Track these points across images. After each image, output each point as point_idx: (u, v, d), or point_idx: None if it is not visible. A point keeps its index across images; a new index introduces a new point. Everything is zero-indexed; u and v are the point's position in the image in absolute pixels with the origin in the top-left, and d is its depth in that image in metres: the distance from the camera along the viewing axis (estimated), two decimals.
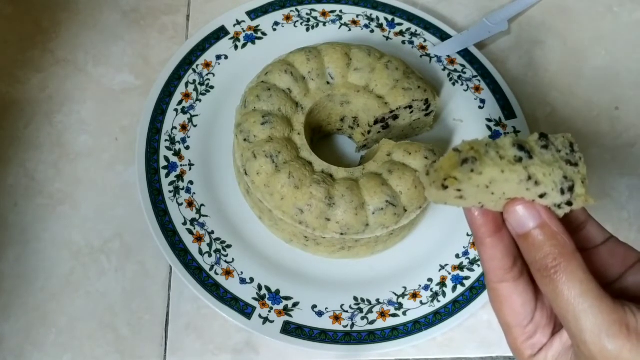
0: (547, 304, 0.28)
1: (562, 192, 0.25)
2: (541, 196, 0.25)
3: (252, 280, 0.44)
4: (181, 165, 0.47)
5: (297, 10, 0.54)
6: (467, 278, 0.45)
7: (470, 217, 0.27)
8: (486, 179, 0.24)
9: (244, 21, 0.53)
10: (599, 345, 0.23)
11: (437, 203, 0.26)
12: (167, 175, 0.46)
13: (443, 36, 0.55)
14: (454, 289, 0.45)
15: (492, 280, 0.27)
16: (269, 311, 0.43)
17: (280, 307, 0.43)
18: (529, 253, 0.25)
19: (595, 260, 0.26)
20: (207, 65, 0.51)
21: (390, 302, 0.44)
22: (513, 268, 0.27)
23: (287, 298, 0.44)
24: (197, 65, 0.51)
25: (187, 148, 0.48)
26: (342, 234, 0.42)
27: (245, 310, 0.43)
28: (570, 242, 0.25)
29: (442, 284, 0.45)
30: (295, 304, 0.43)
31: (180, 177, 0.47)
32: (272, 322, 0.42)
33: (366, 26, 0.55)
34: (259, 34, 0.53)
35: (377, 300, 0.44)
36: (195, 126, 0.49)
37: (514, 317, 0.27)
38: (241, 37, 0.53)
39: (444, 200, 0.25)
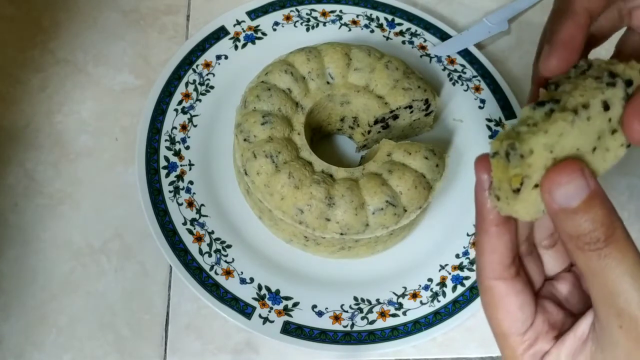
0: (549, 309, 0.26)
1: (606, 107, 0.23)
2: (605, 107, 0.23)
3: (252, 280, 0.44)
4: (181, 165, 0.47)
5: (297, 10, 0.54)
6: (467, 278, 0.45)
7: (480, 200, 0.25)
8: (542, 154, 0.22)
9: (244, 21, 0.53)
10: None
11: (533, 218, 0.24)
12: (167, 175, 0.46)
13: (443, 36, 0.55)
14: (454, 289, 0.45)
15: (487, 277, 0.25)
16: (269, 311, 0.43)
17: (280, 307, 0.43)
18: (576, 228, 0.22)
19: None
20: (207, 65, 0.51)
21: (390, 302, 0.44)
22: (511, 265, 0.25)
23: (287, 298, 0.44)
24: (197, 65, 0.51)
25: (187, 148, 0.48)
26: (342, 234, 0.42)
27: (245, 310, 0.43)
28: (615, 210, 0.23)
29: (442, 284, 0.45)
30: (295, 304, 0.43)
31: (180, 177, 0.47)
32: (272, 322, 0.42)
33: (366, 26, 0.55)
34: (259, 34, 0.53)
35: (377, 300, 0.44)
36: (195, 126, 0.49)
37: (510, 322, 0.25)
38: (241, 37, 0.53)
39: (537, 210, 0.23)
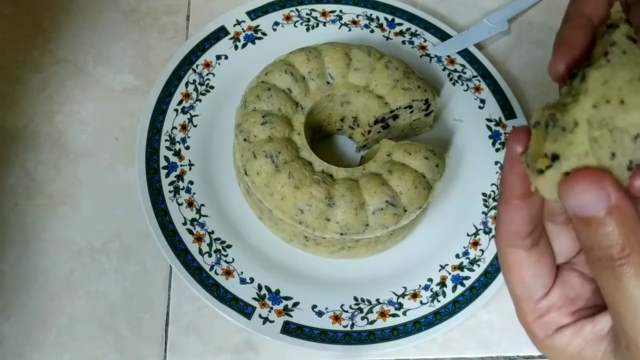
0: (572, 284, 0.25)
1: (631, 39, 0.21)
2: (632, 39, 0.21)
3: (252, 280, 0.44)
4: (181, 165, 0.47)
5: (297, 10, 0.54)
6: (467, 278, 0.45)
7: (507, 170, 0.23)
8: (584, 128, 0.20)
9: (244, 21, 0.53)
10: None
11: (553, 199, 0.22)
12: (167, 175, 0.46)
13: (443, 36, 0.55)
14: (454, 289, 0.45)
15: (503, 243, 0.25)
16: (269, 311, 0.43)
17: (280, 307, 0.43)
18: (589, 239, 0.21)
19: None
20: (207, 65, 0.51)
21: (390, 302, 0.44)
22: (528, 236, 0.24)
23: (287, 298, 0.44)
24: (197, 65, 0.51)
25: (187, 148, 0.48)
26: (342, 234, 0.42)
27: (245, 310, 0.43)
28: (638, 230, 0.21)
29: (442, 284, 0.45)
30: (295, 304, 0.43)
31: (180, 177, 0.47)
32: (272, 322, 0.42)
33: (366, 26, 0.55)
34: (259, 34, 0.53)
35: (377, 300, 0.44)
36: (195, 126, 0.49)
37: (522, 288, 0.25)
38: (241, 37, 0.53)
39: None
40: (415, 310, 0.44)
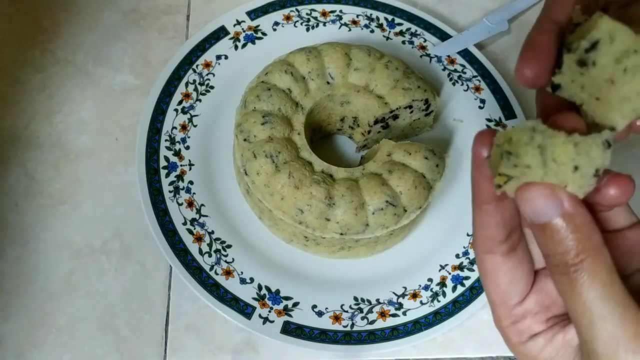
0: (548, 290, 0.25)
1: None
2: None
3: (252, 280, 0.44)
4: (181, 165, 0.47)
5: (297, 10, 0.54)
6: (467, 278, 0.45)
7: (476, 175, 0.23)
8: (539, 167, 0.20)
9: (244, 21, 0.53)
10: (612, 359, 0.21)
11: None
12: (167, 175, 0.46)
13: (443, 36, 0.55)
14: (454, 289, 0.45)
15: (479, 250, 0.25)
16: (269, 311, 0.43)
17: (280, 307, 0.43)
18: (546, 245, 0.22)
19: (613, 247, 0.22)
20: (207, 65, 0.51)
21: (390, 302, 0.44)
22: (505, 242, 0.24)
23: (287, 298, 0.44)
24: (197, 65, 0.51)
25: (187, 148, 0.48)
26: (342, 234, 0.42)
27: (245, 310, 0.43)
28: (597, 235, 0.21)
29: (442, 284, 0.45)
30: (295, 304, 0.43)
31: (180, 177, 0.47)
32: (272, 322, 0.42)
33: (366, 26, 0.55)
34: (259, 34, 0.53)
35: (377, 300, 0.44)
36: (195, 126, 0.49)
37: (498, 294, 0.25)
38: (241, 37, 0.53)
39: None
40: (415, 310, 0.44)
